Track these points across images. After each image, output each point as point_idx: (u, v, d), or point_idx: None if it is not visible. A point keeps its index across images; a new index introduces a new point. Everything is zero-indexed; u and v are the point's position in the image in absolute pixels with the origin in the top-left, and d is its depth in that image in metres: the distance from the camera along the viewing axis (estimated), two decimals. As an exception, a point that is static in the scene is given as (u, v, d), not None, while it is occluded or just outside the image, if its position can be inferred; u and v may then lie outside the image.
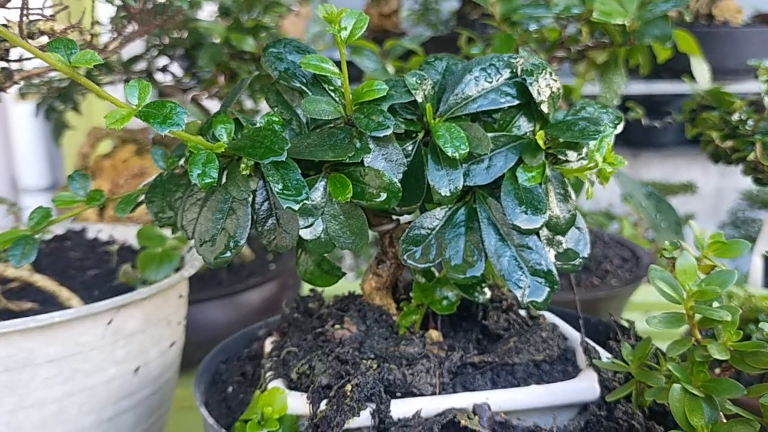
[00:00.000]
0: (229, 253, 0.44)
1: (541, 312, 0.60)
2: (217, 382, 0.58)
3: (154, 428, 0.66)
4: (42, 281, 0.64)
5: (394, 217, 0.54)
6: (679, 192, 2.62)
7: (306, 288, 0.86)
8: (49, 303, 0.64)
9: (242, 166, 0.43)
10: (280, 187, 0.42)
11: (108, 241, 0.84)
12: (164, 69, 1.18)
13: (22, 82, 0.52)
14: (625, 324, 0.60)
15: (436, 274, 0.55)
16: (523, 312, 0.60)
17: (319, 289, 0.60)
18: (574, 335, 0.56)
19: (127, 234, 0.84)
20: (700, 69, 1.00)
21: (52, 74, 1.13)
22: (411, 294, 0.55)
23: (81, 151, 1.18)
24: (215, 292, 1.05)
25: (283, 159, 0.41)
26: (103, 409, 0.58)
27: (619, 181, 0.95)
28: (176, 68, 1.25)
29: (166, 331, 0.64)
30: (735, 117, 0.81)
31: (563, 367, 0.52)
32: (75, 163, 1.19)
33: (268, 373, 0.52)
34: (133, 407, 0.61)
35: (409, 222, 0.50)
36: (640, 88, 2.58)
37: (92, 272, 0.76)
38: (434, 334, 0.53)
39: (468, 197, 0.49)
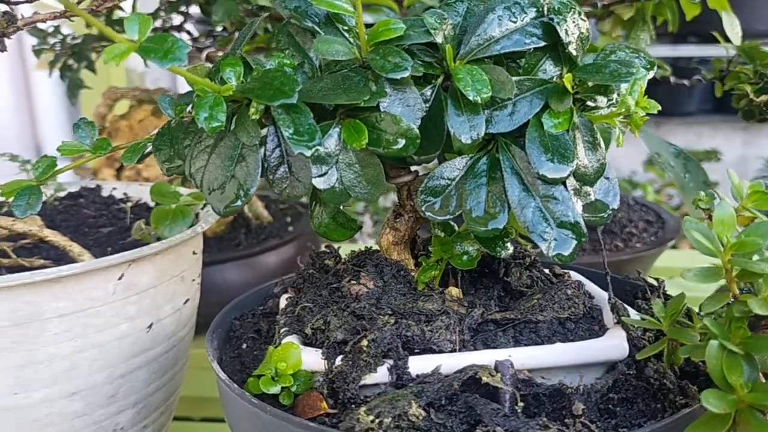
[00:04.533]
0: (239, 202, 0.42)
1: (566, 270, 0.58)
2: (231, 339, 0.57)
3: (168, 386, 0.64)
4: (52, 236, 0.62)
5: (413, 168, 0.51)
6: (703, 159, 2.57)
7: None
8: (63, 260, 0.63)
9: (252, 110, 0.41)
10: (291, 131, 0.39)
11: (122, 199, 0.83)
12: (180, 28, 1.15)
13: (25, 29, 0.50)
14: (654, 282, 0.57)
15: (456, 228, 0.53)
16: (547, 270, 0.58)
17: (336, 244, 0.58)
18: (600, 294, 0.54)
19: (142, 192, 0.83)
20: (732, 25, 0.96)
21: (63, 29, 1.11)
22: (430, 249, 0.53)
23: (97, 111, 1.16)
24: (233, 253, 1.04)
25: (294, 102, 0.39)
26: (115, 365, 0.57)
27: (645, 140, 0.92)
28: (193, 29, 1.22)
29: (180, 287, 0.63)
30: (771, 70, 0.78)
31: (589, 325, 0.50)
32: (91, 124, 1.18)
33: (283, 329, 0.50)
34: (147, 364, 0.60)
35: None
36: (666, 51, 2.53)
37: (106, 230, 0.75)
38: (454, 291, 0.51)
39: (491, 146, 0.47)
